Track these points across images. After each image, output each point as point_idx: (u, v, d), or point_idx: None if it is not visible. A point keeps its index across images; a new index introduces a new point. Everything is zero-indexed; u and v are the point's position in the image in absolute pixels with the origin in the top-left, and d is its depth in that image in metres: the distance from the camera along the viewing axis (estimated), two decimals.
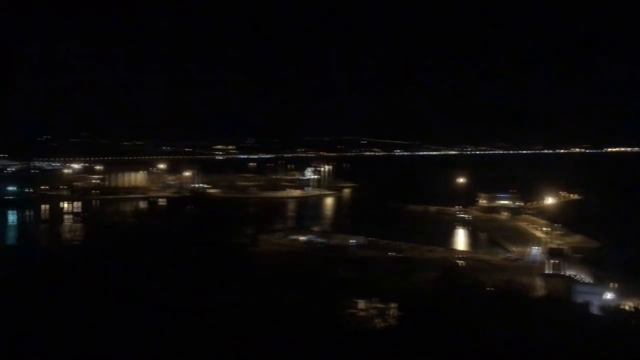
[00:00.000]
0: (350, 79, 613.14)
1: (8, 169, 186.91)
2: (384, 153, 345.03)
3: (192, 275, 10.31)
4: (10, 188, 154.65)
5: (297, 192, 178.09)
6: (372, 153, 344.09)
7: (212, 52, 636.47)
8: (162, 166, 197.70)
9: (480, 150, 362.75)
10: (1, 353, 9.26)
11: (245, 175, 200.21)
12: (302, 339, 10.06)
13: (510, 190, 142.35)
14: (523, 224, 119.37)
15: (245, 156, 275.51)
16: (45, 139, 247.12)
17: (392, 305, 13.92)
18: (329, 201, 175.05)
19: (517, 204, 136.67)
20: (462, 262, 76.27)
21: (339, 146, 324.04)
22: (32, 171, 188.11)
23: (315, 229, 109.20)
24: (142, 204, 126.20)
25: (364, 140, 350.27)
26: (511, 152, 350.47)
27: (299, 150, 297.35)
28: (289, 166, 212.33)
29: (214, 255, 11.48)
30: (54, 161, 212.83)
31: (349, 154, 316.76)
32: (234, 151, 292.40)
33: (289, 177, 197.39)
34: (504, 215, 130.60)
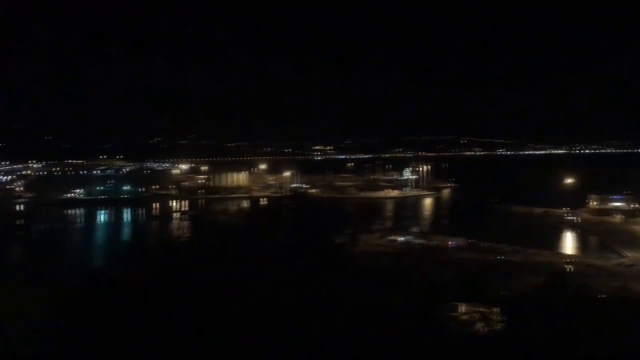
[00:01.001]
0: (451, 77, 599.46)
1: (123, 170, 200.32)
2: (485, 152, 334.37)
3: (294, 274, 10.54)
4: (125, 187, 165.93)
5: (395, 193, 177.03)
6: (473, 152, 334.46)
7: (308, 52, 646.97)
8: (263, 166, 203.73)
9: (591, 149, 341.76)
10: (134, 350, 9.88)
11: (343, 175, 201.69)
12: (403, 341, 10.01)
13: (625, 192, 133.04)
14: (639, 228, 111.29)
15: (344, 156, 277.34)
16: (156, 141, 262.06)
17: (495, 309, 13.49)
18: (428, 202, 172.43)
19: (632, 206, 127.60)
20: (570, 266, 72.62)
21: (438, 146, 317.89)
22: (145, 172, 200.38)
23: (414, 229, 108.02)
24: (245, 203, 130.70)
25: (464, 140, 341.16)
26: (625, 151, 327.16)
27: (397, 150, 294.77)
28: (387, 166, 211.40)
29: (315, 255, 11.67)
30: (164, 162, 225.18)
31: (448, 153, 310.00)
32: (332, 151, 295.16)
33: (387, 177, 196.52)
34: (617, 218, 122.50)
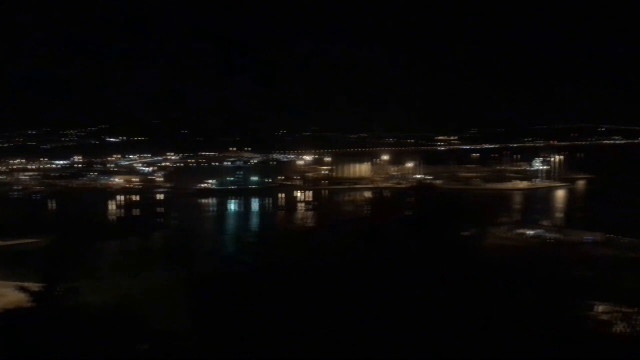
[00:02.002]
0: (586, 60, 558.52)
1: (252, 162, 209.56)
2: (626, 141, 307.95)
3: (424, 269, 10.47)
4: (253, 178, 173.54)
5: (523, 184, 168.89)
6: (612, 142, 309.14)
7: (434, 44, 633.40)
8: (385, 157, 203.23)
9: None
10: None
11: (469, 166, 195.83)
12: (539, 340, 9.62)
13: None
14: None
15: (469, 147, 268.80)
16: (282, 134, 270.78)
17: (638, 310, 12.52)
18: (560, 194, 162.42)
19: None
20: None
21: (572, 134, 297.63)
22: (271, 163, 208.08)
23: (545, 223, 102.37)
24: (367, 194, 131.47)
25: (602, 128, 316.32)
26: None
27: (526, 140, 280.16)
28: (515, 157, 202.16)
29: (442, 248, 11.51)
30: (289, 154, 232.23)
31: (584, 142, 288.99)
32: (456, 142, 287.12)
33: (515, 169, 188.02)
34: None
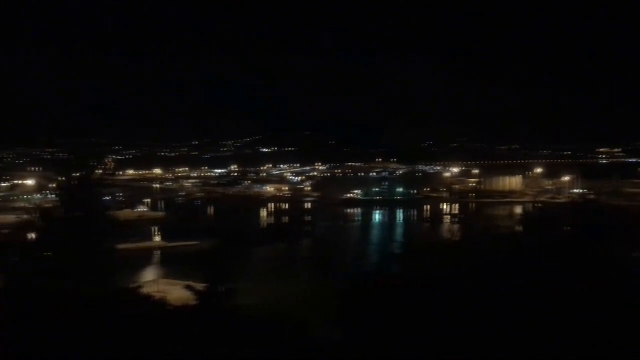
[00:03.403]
0: None
1: (397, 172, 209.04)
2: None
3: (592, 292, 9.81)
4: (398, 189, 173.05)
5: None
6: None
7: (596, 51, 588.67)
8: (539, 170, 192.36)
9: None
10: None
11: (635, 181, 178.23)
12: None
13: None
14: None
15: (635, 160, 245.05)
16: (428, 145, 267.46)
17: None
18: None
19: None
20: None
21: None
22: (417, 174, 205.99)
23: None
24: (518, 209, 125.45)
25: None
26: None
27: None
28: None
29: (610, 270, 10.68)
30: (435, 165, 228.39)
31: None
32: (620, 154, 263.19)
33: None
34: None
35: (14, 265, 12.36)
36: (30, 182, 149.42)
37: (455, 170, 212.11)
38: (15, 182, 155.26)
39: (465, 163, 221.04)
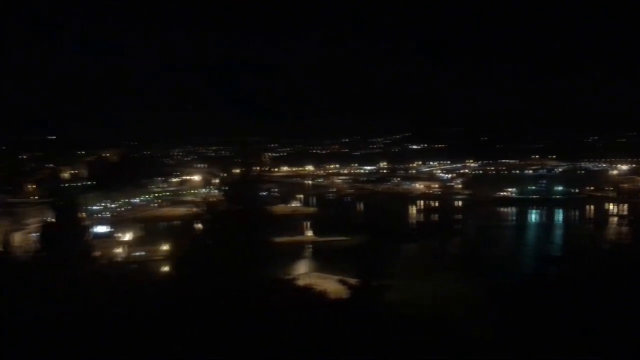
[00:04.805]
0: None
1: (556, 170, 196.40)
2: None
3: None
4: (557, 188, 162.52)
5: None
6: None
7: None
8: None
9: None
10: None
11: None
12: None
13: None
14: None
15: None
16: (592, 140, 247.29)
17: None
18: None
19: None
20: None
21: None
22: (578, 172, 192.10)
23: None
24: None
25: None
26: None
27: None
28: None
29: None
30: (600, 162, 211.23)
31: None
32: None
33: None
34: None
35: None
36: (197, 178, 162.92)
37: (624, 167, 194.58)
38: (184, 177, 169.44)
39: (635, 160, 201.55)
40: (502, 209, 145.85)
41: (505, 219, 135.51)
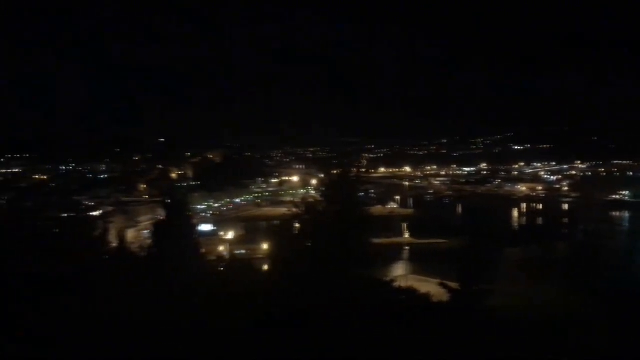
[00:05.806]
0: None
1: None
2: None
3: None
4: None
5: None
6: None
7: None
8: None
9: None
10: None
11: None
12: None
13: None
14: None
15: None
16: None
17: None
18: None
19: None
20: None
21: None
22: None
23: None
24: None
25: None
26: None
27: None
28: None
29: None
30: None
31: None
32: None
33: None
34: None
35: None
36: (295, 179, 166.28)
37: None
38: (284, 178, 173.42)
39: None
40: (614, 213, 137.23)
41: (617, 223, 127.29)
